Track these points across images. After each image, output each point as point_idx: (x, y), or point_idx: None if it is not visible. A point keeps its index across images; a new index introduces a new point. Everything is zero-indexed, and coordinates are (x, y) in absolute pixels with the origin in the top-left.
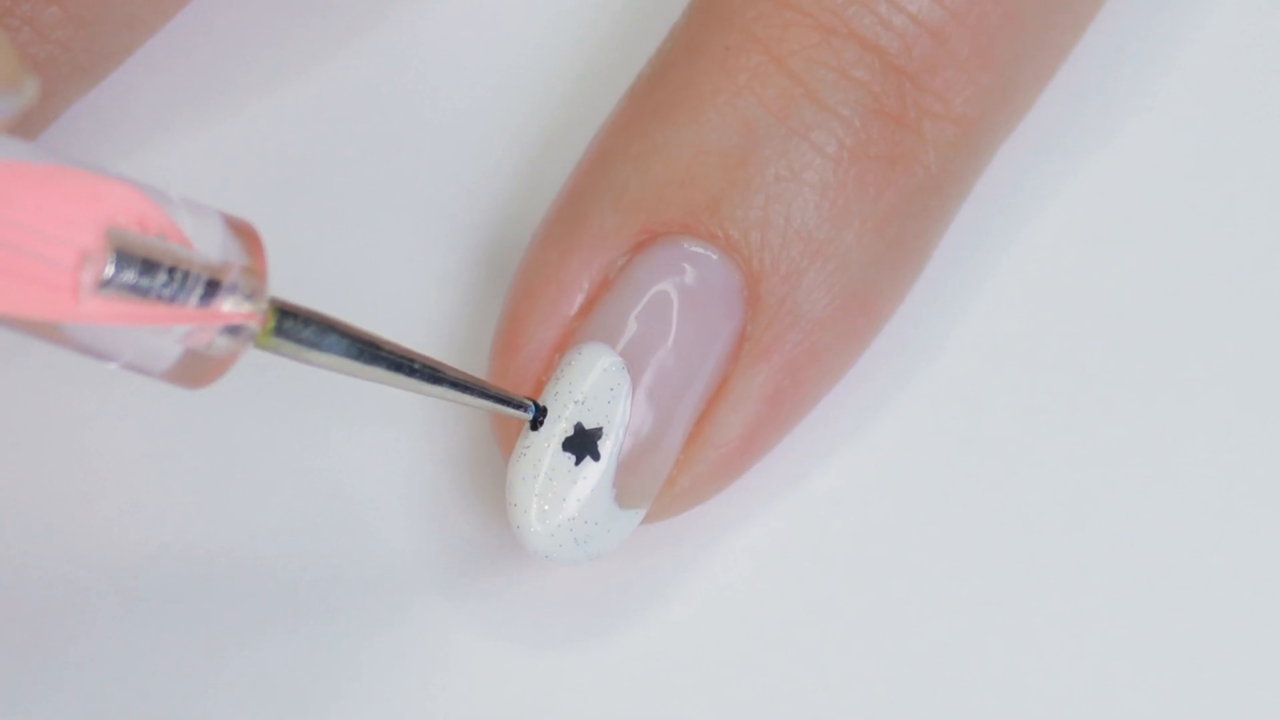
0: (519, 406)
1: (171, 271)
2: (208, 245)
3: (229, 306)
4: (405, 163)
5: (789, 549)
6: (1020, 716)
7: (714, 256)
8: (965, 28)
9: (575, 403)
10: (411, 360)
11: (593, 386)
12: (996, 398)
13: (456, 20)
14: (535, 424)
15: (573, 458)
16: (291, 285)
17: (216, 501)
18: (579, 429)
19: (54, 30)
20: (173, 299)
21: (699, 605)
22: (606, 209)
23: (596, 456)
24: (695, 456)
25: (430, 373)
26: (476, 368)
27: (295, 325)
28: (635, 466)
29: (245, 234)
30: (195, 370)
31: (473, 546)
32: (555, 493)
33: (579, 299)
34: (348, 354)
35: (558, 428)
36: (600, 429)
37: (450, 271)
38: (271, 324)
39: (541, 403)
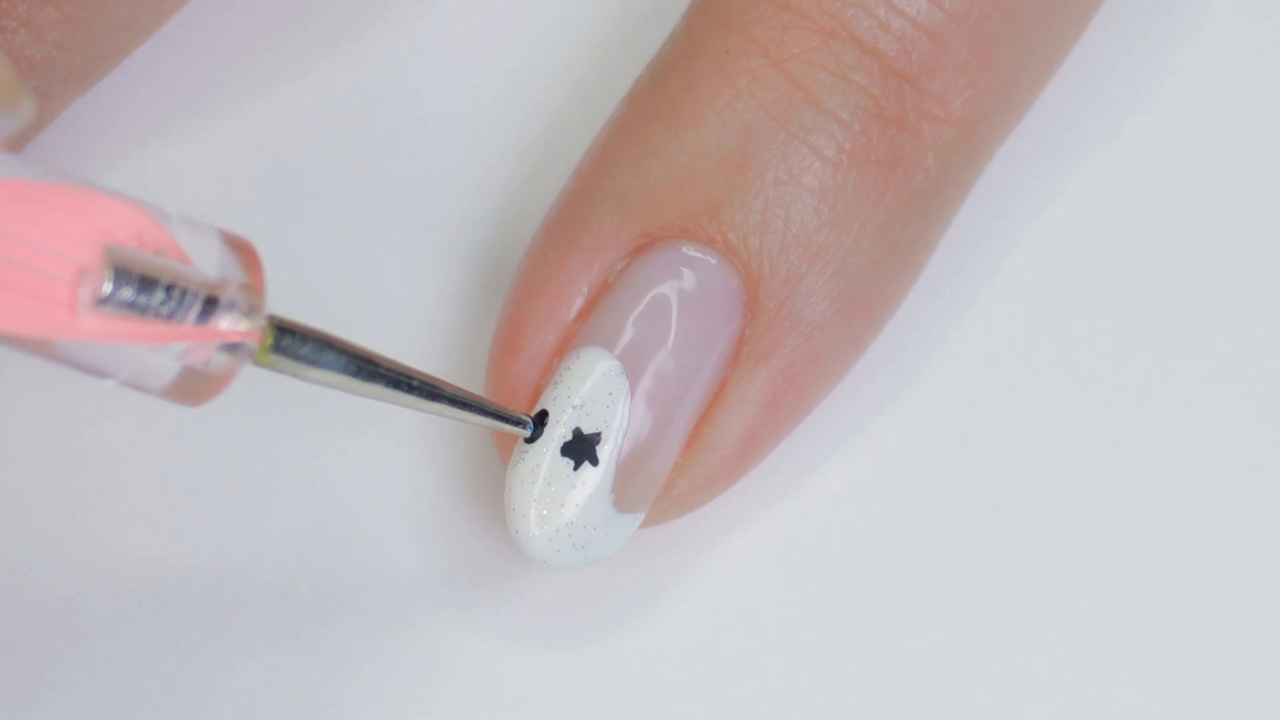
0: (517, 423)
1: (169, 289)
2: (206, 262)
3: (227, 324)
4: (404, 166)
5: (787, 552)
6: (1019, 718)
7: (713, 260)
8: (964, 30)
9: (574, 407)
10: (410, 377)
11: (591, 391)
12: (995, 400)
13: (455, 23)
14: (533, 440)
15: (571, 462)
16: (290, 290)
17: (216, 509)
18: (577, 434)
19: (50, 32)
20: (170, 316)
21: (698, 609)
22: (606, 212)
23: (595, 461)
24: (694, 460)
25: (428, 389)
26: (475, 371)
27: (293, 342)
28: (634, 471)
29: (243, 251)
30: (193, 387)
31: (471, 551)
32: (554, 498)
33: (578, 302)
34: (345, 371)
35: (556, 432)
36: (599, 434)
37: (449, 274)
38: (269, 341)
39: (541, 406)
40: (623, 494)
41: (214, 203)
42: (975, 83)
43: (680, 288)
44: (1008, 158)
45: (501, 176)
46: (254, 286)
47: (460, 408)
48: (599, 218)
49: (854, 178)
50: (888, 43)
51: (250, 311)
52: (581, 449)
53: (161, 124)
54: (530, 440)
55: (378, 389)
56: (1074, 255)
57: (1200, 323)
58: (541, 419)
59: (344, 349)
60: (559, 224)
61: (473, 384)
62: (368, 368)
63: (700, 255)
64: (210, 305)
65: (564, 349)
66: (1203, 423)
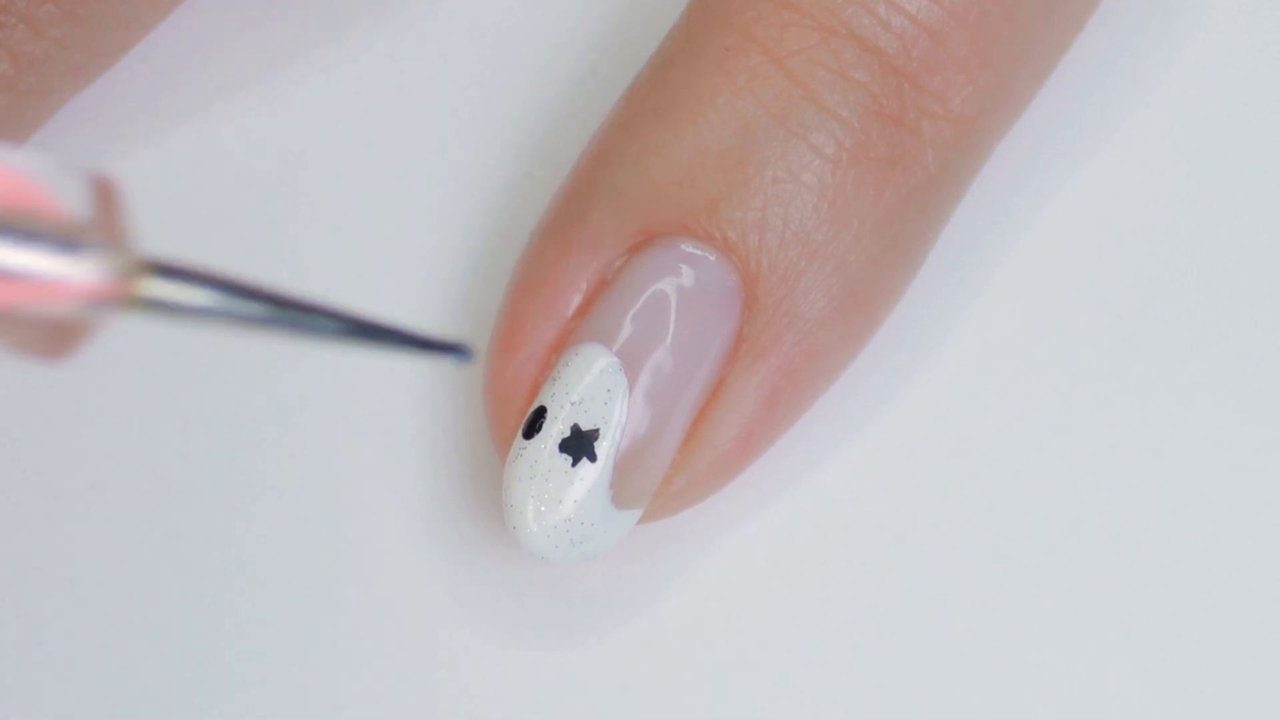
0: (446, 349)
1: (28, 236)
2: (67, 203)
3: (88, 270)
4: (401, 162)
5: (786, 548)
6: (1017, 715)
7: (711, 258)
8: (964, 28)
9: (572, 403)
10: (298, 304)
11: (589, 387)
12: (993, 396)
13: (454, 19)
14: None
15: (569, 459)
16: (287, 284)
17: (212, 500)
18: (575, 430)
19: (50, 28)
20: (29, 267)
21: (696, 605)
22: (604, 209)
23: (593, 458)
24: (692, 457)
25: (326, 316)
26: (473, 367)
27: (163, 280)
28: (632, 467)
29: (103, 190)
30: (56, 341)
31: (469, 547)
32: (551, 494)
33: (576, 299)
34: (226, 305)
35: (554, 429)
36: (597, 430)
37: (447, 271)
38: (139, 283)
39: (539, 403)
40: (621, 490)
41: (210, 200)
42: (975, 80)
43: (679, 285)
44: (1005, 154)
45: (500, 174)
46: (112, 226)
47: (367, 338)
48: (597, 215)
49: (853, 175)
50: (887, 40)
51: (112, 254)
52: (579, 445)
53: (160, 119)
54: (458, 360)
55: (260, 313)
56: (1072, 252)
57: (1199, 321)
58: (539, 415)
59: (219, 281)
60: (557, 221)
61: (471, 381)
62: (249, 295)
63: (699, 252)
64: (69, 250)
65: (562, 346)
66: (1202, 421)
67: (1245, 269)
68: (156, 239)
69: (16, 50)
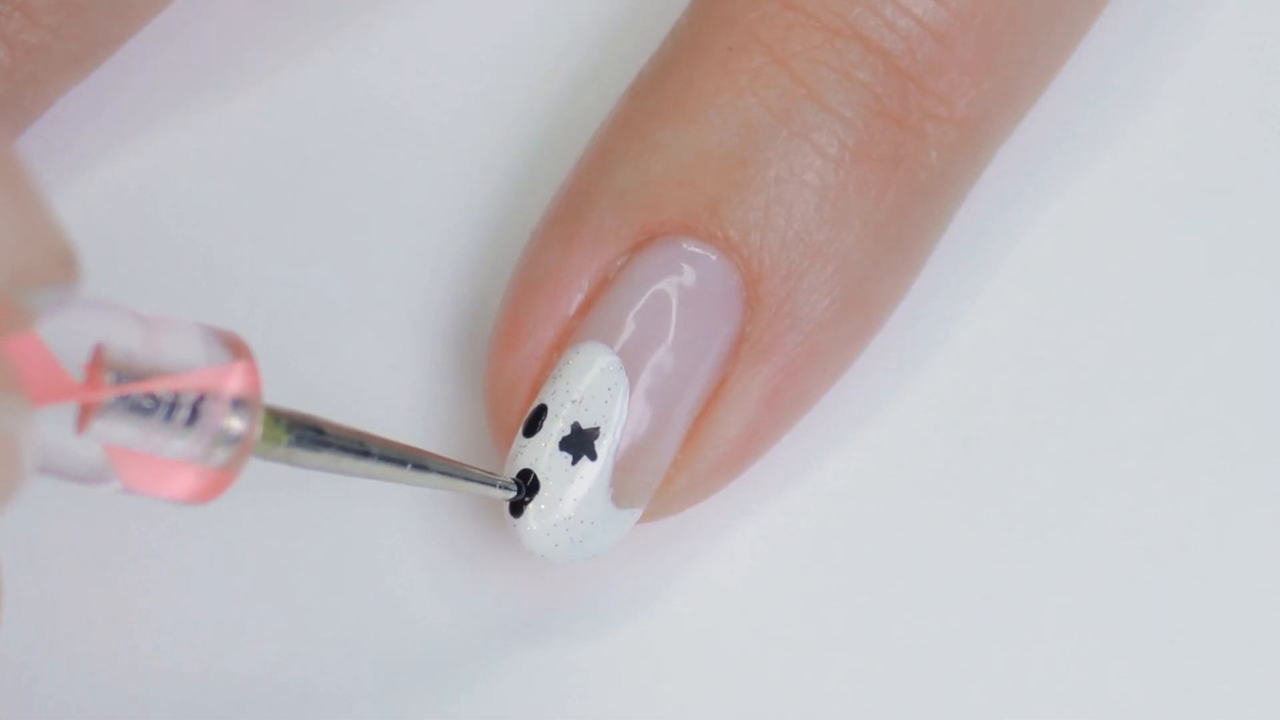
0: (504, 488)
1: (161, 399)
2: (193, 359)
3: (225, 421)
4: (403, 159)
5: (786, 547)
6: (1018, 713)
7: (713, 257)
8: (970, 30)
9: (573, 402)
10: (401, 457)
11: (590, 386)
12: (994, 395)
13: (455, 16)
14: (518, 506)
15: (569, 457)
16: (287, 285)
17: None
18: (576, 428)
19: (46, 16)
20: (165, 420)
21: (696, 604)
22: (606, 208)
23: (593, 456)
24: (693, 456)
25: (419, 464)
26: (474, 365)
27: (287, 432)
28: (632, 466)
29: (233, 344)
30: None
31: (469, 545)
32: (552, 492)
33: (578, 298)
34: (338, 455)
35: (555, 427)
36: (597, 428)
37: (449, 268)
38: (271, 432)
39: (540, 401)
40: (621, 489)
41: (208, 194)
42: (979, 83)
43: (680, 284)
44: (1008, 154)
45: (501, 172)
46: (249, 386)
47: (450, 478)
48: (599, 214)
49: (856, 175)
50: (893, 41)
51: (242, 408)
52: (580, 444)
53: (157, 112)
54: (516, 505)
55: (371, 469)
56: (1073, 253)
57: (1200, 320)
58: (540, 413)
59: (337, 436)
60: (559, 219)
61: (472, 378)
62: (359, 448)
63: (700, 251)
64: (202, 405)
65: (563, 344)
66: (1203, 418)
67: (1246, 269)
68: (157, 237)
69: (13, 38)
